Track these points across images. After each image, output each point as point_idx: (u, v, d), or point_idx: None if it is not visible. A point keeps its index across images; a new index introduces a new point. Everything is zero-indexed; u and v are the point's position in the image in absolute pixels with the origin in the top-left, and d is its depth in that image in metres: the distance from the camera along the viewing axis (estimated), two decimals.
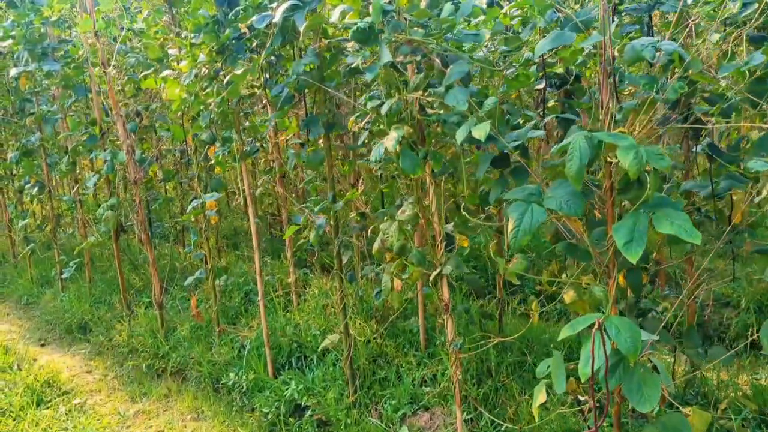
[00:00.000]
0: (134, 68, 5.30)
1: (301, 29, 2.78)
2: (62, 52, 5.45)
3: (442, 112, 2.47)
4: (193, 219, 4.12)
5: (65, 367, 4.70)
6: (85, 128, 5.11)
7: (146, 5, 5.36)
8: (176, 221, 5.37)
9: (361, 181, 3.81)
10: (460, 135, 2.17)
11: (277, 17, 2.59)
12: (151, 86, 3.41)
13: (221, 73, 3.50)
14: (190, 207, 4.04)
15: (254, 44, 3.27)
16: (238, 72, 2.88)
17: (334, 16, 2.46)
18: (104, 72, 4.40)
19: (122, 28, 5.41)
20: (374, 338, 3.84)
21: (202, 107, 3.56)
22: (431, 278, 2.75)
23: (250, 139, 4.04)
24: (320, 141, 3.22)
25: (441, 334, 3.89)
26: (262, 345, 3.92)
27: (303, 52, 3.18)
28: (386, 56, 2.27)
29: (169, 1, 3.91)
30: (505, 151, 2.41)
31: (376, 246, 2.88)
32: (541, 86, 2.76)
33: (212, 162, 4.17)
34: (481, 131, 2.08)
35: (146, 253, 5.40)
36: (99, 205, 5.48)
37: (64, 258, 5.85)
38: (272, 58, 3.55)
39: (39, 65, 5.00)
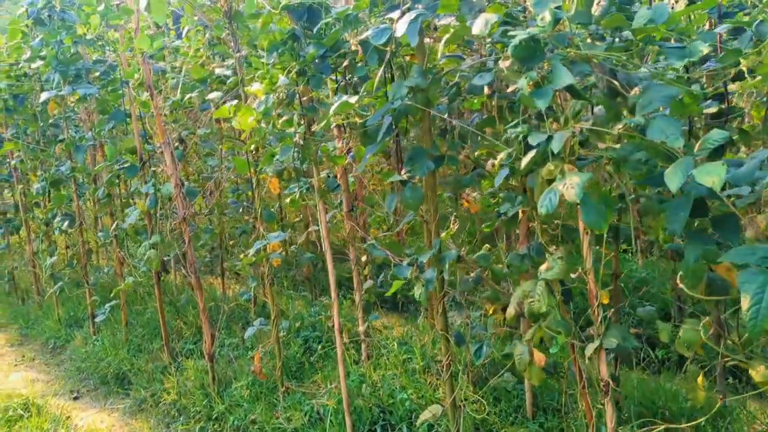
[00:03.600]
0: (175, 90, 4.80)
1: (414, 43, 2.25)
2: (96, 74, 4.97)
3: (618, 146, 1.93)
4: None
5: (104, 427, 4.15)
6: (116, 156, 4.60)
7: (186, 21, 4.88)
8: (234, 264, 4.83)
9: (453, 219, 3.26)
10: (675, 180, 1.62)
11: (402, 30, 2.06)
12: (224, 115, 2.88)
13: (296, 97, 2.98)
14: (253, 250, 3.50)
15: (345, 63, 2.75)
16: (345, 99, 2.34)
17: (477, 27, 1.93)
18: (151, 96, 3.90)
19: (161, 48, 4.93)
20: (473, 401, 3.28)
21: (271, 137, 3.04)
22: (588, 352, 2.20)
23: (327, 172, 3.51)
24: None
25: (548, 398, 3.32)
26: (341, 411, 3.36)
27: (405, 72, 2.65)
28: (564, 77, 1.73)
29: (229, 15, 3.39)
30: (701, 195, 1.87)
31: (511, 310, 2.33)
32: None
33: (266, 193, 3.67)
34: (714, 177, 1.53)
35: (195, 297, 4.88)
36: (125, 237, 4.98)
37: (96, 298, 5.33)
38: (355, 79, 3.03)
39: (73, 89, 4.51)
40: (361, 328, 3.97)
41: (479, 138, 2.67)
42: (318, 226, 3.95)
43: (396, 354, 3.75)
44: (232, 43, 3.55)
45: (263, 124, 2.80)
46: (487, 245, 3.19)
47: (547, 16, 1.69)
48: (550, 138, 1.83)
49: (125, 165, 4.59)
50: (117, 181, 4.62)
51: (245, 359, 4.44)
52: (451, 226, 3.28)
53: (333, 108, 2.26)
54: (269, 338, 4.32)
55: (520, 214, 2.98)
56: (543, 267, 2.26)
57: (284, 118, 2.95)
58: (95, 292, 5.48)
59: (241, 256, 4.85)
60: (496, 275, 3.06)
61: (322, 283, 5.51)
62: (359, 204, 4.45)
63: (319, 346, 4.30)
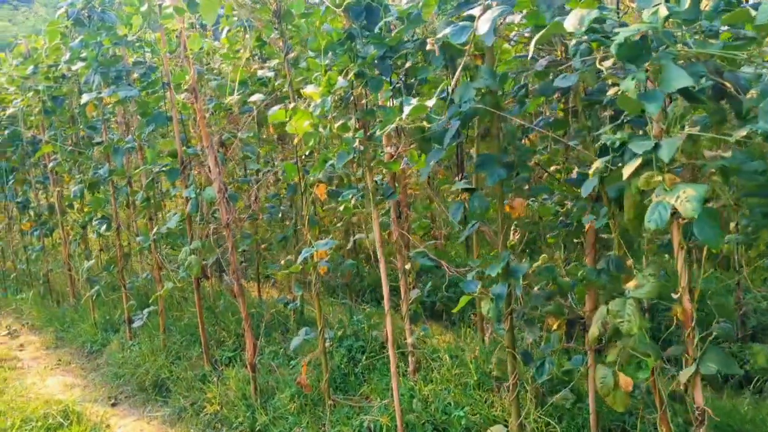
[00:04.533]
0: (215, 92, 4.71)
1: (490, 42, 2.09)
2: (135, 76, 4.89)
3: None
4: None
5: None
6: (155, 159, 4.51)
7: (226, 22, 4.77)
8: (273, 271, 4.70)
9: (514, 229, 3.10)
10: None
11: (485, 28, 1.90)
12: (280, 119, 2.75)
13: (353, 100, 2.84)
14: (300, 257, 3.37)
15: (407, 64, 2.60)
16: (412, 103, 2.19)
17: (571, 24, 1.76)
18: (194, 98, 3.79)
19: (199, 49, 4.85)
20: (534, 419, 3.10)
21: (326, 142, 2.90)
22: (683, 378, 2.02)
23: (379, 178, 3.37)
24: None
25: (612, 419, 3.14)
26: (393, 429, 3.21)
27: (472, 73, 2.50)
28: (678, 78, 1.56)
29: (278, 15, 3.27)
30: None
31: (594, 330, 2.16)
32: None
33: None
34: None
35: (236, 304, 4.78)
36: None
37: (133, 302, 5.25)
38: (412, 81, 2.89)
39: (113, 91, 4.42)
40: (409, 340, 3.82)
41: (554, 143, 2.50)
42: (364, 233, 3.82)
43: (448, 367, 3.59)
44: (280, 44, 3.42)
45: (321, 129, 2.66)
46: (544, 255, 3.02)
47: (663, 11, 1.52)
48: (657, 145, 1.66)
49: (165, 168, 4.50)
50: (155, 184, 4.52)
51: (286, 368, 4.32)
52: (512, 235, 3.12)
53: (406, 111, 2.11)
54: (312, 347, 4.19)
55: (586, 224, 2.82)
56: (631, 284, 2.09)
57: (339, 122, 2.81)
58: (132, 296, 5.40)
59: (282, 261, 4.74)
60: (562, 289, 2.89)
61: (362, 289, 5.37)
62: (405, 210, 4.30)
63: (363, 357, 4.15)
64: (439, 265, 3.27)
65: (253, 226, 4.74)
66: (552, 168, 3.11)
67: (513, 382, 2.63)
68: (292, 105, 2.79)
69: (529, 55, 1.89)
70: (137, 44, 4.99)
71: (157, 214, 5.53)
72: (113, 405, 4.65)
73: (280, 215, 5.00)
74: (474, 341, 4.02)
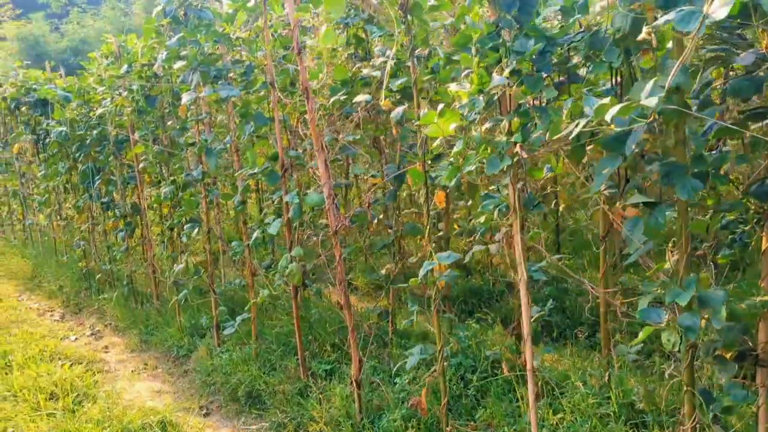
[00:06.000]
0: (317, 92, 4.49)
1: (696, 31, 1.76)
2: (231, 75, 4.74)
3: None
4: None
5: None
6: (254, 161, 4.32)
7: (326, 17, 4.56)
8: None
9: (671, 246, 2.74)
10: None
11: (724, 12, 1.58)
12: (429, 121, 2.48)
13: (505, 99, 2.55)
14: (422, 271, 3.10)
15: (575, 59, 2.29)
16: (600, 102, 1.88)
17: None
18: (306, 98, 3.58)
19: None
20: None
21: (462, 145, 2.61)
22: None
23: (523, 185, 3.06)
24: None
25: None
26: None
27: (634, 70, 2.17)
28: None
29: (405, 8, 3.01)
30: None
31: None
32: None
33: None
34: None
35: (329, 314, 4.58)
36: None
37: (223, 308, 5.11)
38: (562, 79, 2.58)
39: (214, 90, 4.27)
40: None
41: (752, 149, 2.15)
42: (488, 244, 3.52)
43: (582, 395, 3.25)
44: (404, 40, 3.16)
45: (473, 131, 2.38)
46: (704, 276, 2.65)
47: None
48: None
49: (263, 171, 4.31)
50: (254, 188, 4.35)
51: (389, 386, 4.06)
52: (668, 255, 2.76)
53: (613, 111, 1.80)
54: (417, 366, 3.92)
55: (764, 243, 2.46)
56: None
57: (486, 124, 2.52)
58: (220, 301, 5.26)
59: (383, 270, 4.49)
60: (735, 316, 2.52)
61: (460, 300, 5.08)
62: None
63: (474, 377, 3.86)
64: (581, 283, 2.94)
65: (352, 234, 4.52)
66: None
67: (692, 426, 2.28)
68: (421, 108, 2.52)
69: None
70: (236, 42, 4.84)
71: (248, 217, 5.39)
72: (205, 415, 4.50)
73: (376, 221, 4.75)
74: (600, 365, 3.67)
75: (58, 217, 8.62)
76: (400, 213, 4.67)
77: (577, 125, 1.91)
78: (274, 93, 4.18)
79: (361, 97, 4.02)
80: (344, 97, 4.08)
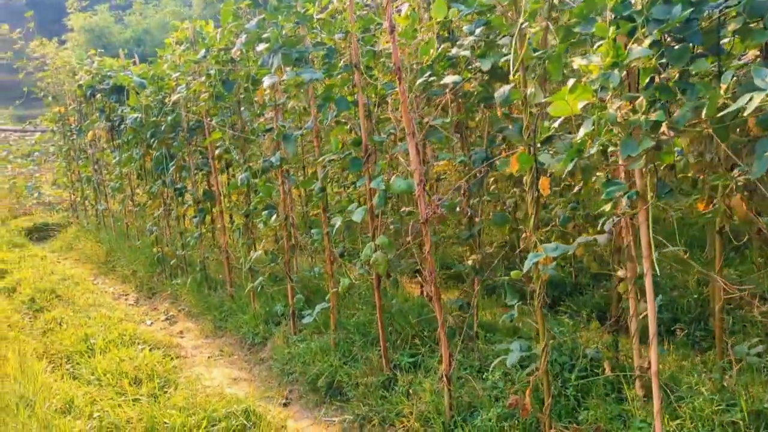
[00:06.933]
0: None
1: None
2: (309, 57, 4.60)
3: None
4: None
5: None
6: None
7: None
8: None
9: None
10: None
11: None
12: (561, 99, 2.26)
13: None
14: (527, 263, 2.88)
15: (731, 26, 2.02)
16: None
17: None
18: (398, 80, 3.40)
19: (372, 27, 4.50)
20: None
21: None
22: None
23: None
24: None
25: None
26: None
27: None
28: None
29: None
30: None
31: None
32: None
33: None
34: None
35: (407, 305, 4.42)
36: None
37: (301, 297, 5.02)
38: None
39: (297, 73, 4.14)
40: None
41: None
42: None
43: (705, 399, 2.97)
44: (509, 14, 2.93)
45: (610, 109, 2.15)
46: None
47: None
48: None
49: (347, 156, 4.17)
50: (334, 175, 4.22)
51: (478, 382, 3.87)
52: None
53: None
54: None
55: None
56: None
57: (618, 103, 2.27)
58: (296, 289, 5.17)
59: (469, 261, 4.29)
60: None
61: (547, 294, 4.80)
62: None
63: (572, 375, 3.62)
64: (706, 276, 2.67)
65: (439, 222, 4.32)
66: None
67: None
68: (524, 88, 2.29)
69: None
70: (314, 24, 4.70)
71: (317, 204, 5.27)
72: (285, 405, 4.44)
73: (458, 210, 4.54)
74: (715, 366, 3.38)
75: (131, 203, 8.77)
76: (482, 201, 4.45)
77: (750, 99, 1.65)
78: (358, 75, 4.02)
79: (450, 78, 3.81)
80: (431, 78, 3.87)
